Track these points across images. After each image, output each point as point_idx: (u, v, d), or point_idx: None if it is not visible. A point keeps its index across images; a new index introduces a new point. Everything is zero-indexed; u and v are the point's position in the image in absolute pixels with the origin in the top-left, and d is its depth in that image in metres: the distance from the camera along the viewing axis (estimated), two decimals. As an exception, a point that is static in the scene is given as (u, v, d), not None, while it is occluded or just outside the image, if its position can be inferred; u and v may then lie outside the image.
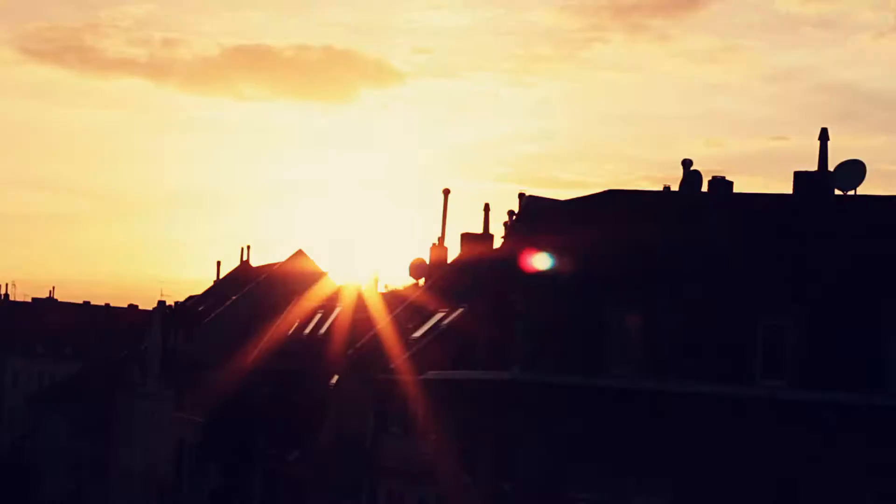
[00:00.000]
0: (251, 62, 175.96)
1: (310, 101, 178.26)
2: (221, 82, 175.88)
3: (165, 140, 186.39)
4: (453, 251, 55.90)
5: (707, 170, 71.63)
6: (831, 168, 38.38)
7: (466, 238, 54.83)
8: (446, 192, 57.36)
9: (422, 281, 55.83)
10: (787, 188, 38.84)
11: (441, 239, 56.47)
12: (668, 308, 35.45)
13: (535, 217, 41.45)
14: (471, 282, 47.03)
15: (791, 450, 33.51)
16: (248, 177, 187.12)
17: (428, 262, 56.29)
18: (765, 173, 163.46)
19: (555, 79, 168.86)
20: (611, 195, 39.25)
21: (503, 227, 49.20)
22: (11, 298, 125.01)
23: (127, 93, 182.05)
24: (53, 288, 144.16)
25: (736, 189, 40.05)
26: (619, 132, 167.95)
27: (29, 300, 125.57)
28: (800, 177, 38.63)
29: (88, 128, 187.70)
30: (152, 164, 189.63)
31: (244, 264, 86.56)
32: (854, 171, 38.07)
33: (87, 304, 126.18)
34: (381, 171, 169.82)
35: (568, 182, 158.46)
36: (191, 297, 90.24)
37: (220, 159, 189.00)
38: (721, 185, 40.11)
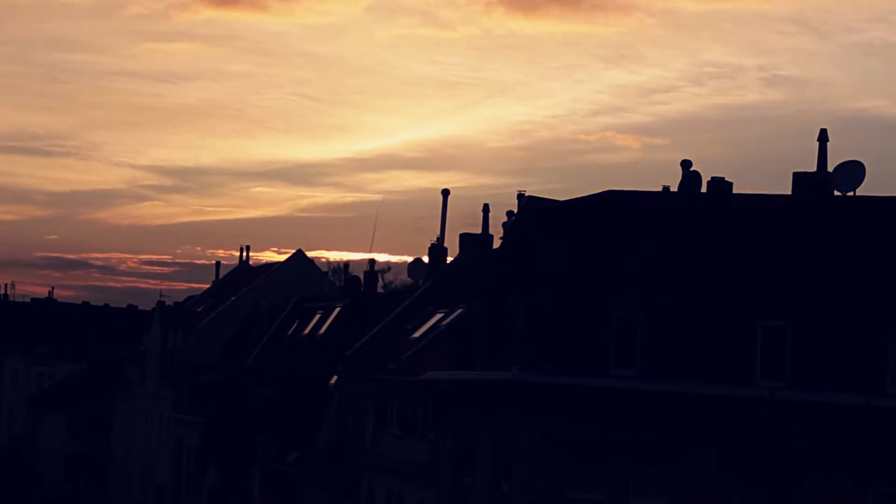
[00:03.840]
0: None
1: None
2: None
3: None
4: (453, 251, 56.03)
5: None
6: (831, 168, 38.37)
7: (465, 238, 54.93)
8: (445, 192, 57.44)
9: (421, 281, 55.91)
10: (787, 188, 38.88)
11: (440, 239, 56.56)
12: (667, 308, 35.45)
13: (534, 217, 41.45)
14: (470, 282, 47.04)
15: (791, 450, 33.51)
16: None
17: (427, 263, 56.38)
18: None
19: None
20: (610, 195, 39.22)
21: (502, 228, 49.25)
22: (11, 299, 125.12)
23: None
24: (53, 288, 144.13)
25: (735, 190, 40.08)
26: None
27: (28, 300, 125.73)
28: (799, 177, 38.62)
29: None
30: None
31: (244, 264, 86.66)
32: (853, 171, 38.08)
33: (86, 304, 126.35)
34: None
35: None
36: (190, 298, 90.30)
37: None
38: (720, 185, 40.11)
